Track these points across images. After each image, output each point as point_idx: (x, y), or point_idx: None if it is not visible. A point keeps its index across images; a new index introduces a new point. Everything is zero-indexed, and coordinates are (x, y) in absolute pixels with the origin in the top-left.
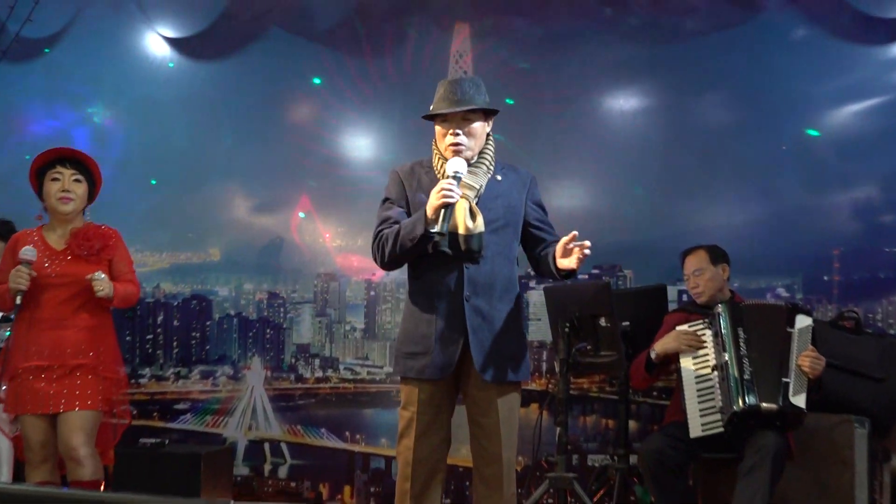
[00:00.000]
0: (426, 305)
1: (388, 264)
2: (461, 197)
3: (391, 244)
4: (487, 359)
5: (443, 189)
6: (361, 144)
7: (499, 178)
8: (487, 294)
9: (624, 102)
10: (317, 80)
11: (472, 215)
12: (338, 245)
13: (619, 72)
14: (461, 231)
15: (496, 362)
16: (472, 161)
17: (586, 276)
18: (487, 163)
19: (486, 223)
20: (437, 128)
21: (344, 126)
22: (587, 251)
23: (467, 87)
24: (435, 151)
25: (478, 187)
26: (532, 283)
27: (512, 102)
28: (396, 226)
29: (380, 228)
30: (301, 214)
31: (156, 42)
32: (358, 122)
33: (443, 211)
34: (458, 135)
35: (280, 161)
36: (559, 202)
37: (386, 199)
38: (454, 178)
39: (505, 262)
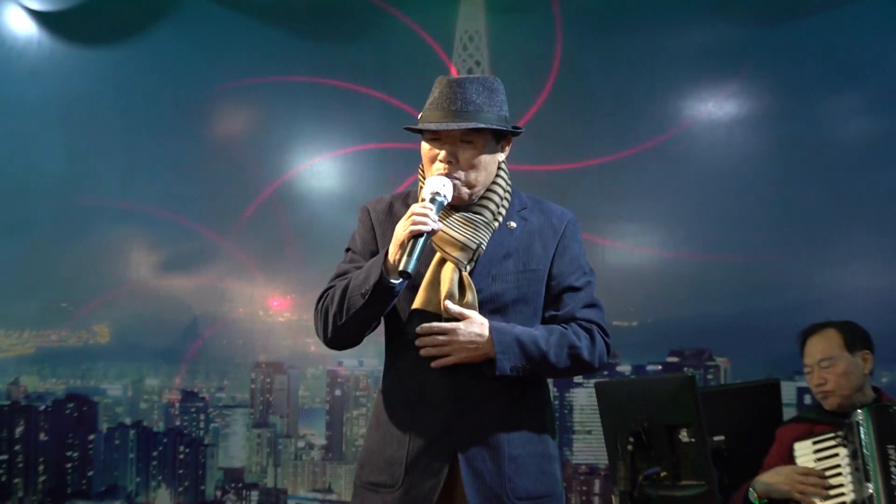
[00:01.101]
0: (399, 414)
1: (332, 338)
2: (451, 264)
3: (336, 304)
4: (489, 499)
5: (413, 215)
6: (325, 168)
7: (512, 224)
8: (489, 401)
9: (715, 108)
10: (255, 74)
11: (462, 290)
12: (288, 319)
13: (708, 63)
14: (441, 310)
15: None
16: (471, 204)
17: (659, 367)
18: (493, 208)
19: (488, 299)
20: (425, 146)
21: (299, 140)
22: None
23: (474, 93)
24: (420, 178)
25: (474, 247)
26: (579, 378)
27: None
28: (346, 281)
29: (327, 287)
30: (234, 279)
31: (17, 17)
32: (319, 134)
33: (410, 243)
34: (452, 163)
35: (201, 191)
36: (616, 257)
37: (347, 250)
38: (432, 201)
39: None
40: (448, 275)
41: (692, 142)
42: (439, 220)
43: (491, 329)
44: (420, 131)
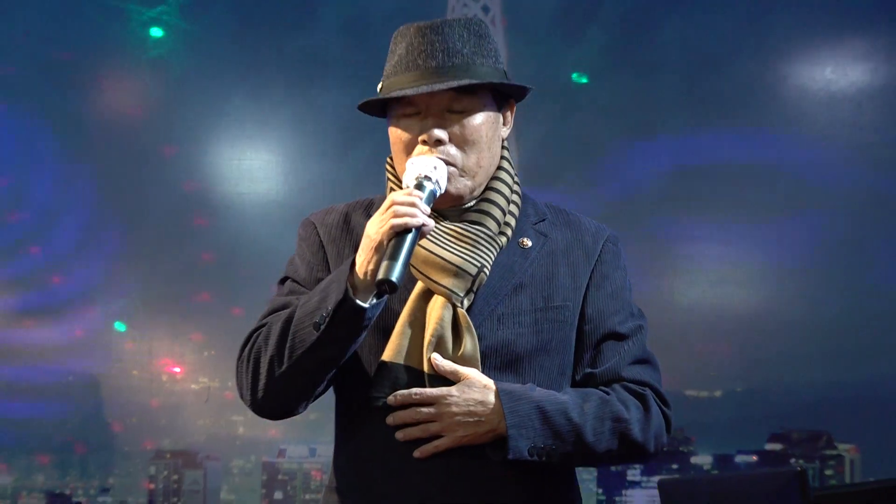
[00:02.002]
0: None
1: (264, 396)
2: (440, 297)
3: (275, 343)
4: None
5: (394, 205)
6: (258, 167)
7: (526, 242)
8: (496, 502)
9: (835, 76)
10: (157, 33)
11: (458, 334)
12: (204, 387)
13: (825, 14)
14: (424, 367)
15: None
16: (469, 204)
17: (754, 458)
18: (498, 214)
19: (494, 349)
20: (394, 130)
21: (213, 130)
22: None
23: (458, 40)
24: (391, 179)
25: (473, 271)
26: (634, 473)
27: (586, 81)
28: (287, 310)
29: (257, 326)
30: (118, 325)
31: None
32: (250, 119)
33: (392, 243)
34: (439, 142)
35: (73, 199)
36: (690, 297)
37: (284, 280)
38: (419, 188)
39: None
40: (436, 312)
41: (802, 124)
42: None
43: (499, 393)
44: (383, 108)
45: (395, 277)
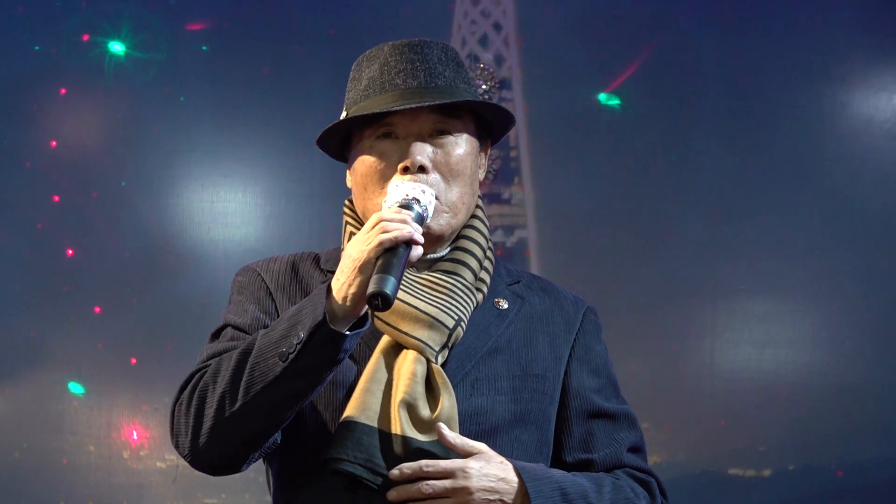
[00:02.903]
0: None
1: (208, 441)
2: (412, 351)
3: (228, 378)
4: None
5: (381, 221)
6: (233, 209)
7: (502, 304)
8: None
9: None
10: (117, 50)
11: (432, 393)
12: (172, 464)
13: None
14: (394, 429)
15: None
16: (441, 253)
17: None
18: (474, 265)
19: (464, 416)
20: (365, 159)
21: (181, 167)
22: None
23: (438, 62)
24: (350, 223)
25: (451, 324)
26: None
27: (618, 103)
28: (240, 343)
29: (197, 368)
30: (73, 386)
31: None
32: (223, 160)
33: (382, 258)
34: (423, 170)
35: (11, 241)
36: (729, 357)
37: (220, 331)
38: (405, 207)
39: None
40: (407, 367)
41: (865, 159)
42: None
43: (518, 470)
44: (342, 145)
45: (389, 290)
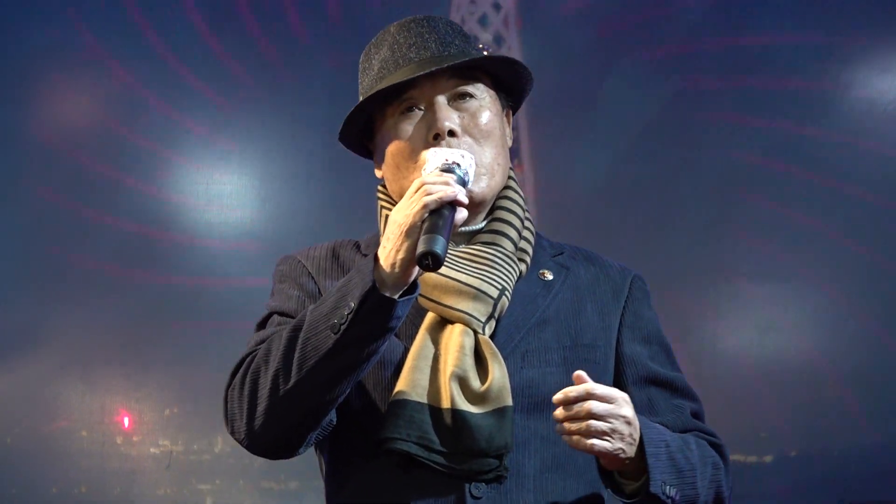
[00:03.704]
0: None
1: (264, 423)
2: (458, 325)
3: (280, 356)
4: None
5: (424, 184)
6: (229, 191)
7: (547, 275)
8: None
9: None
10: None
11: (482, 364)
12: (165, 451)
13: None
14: (445, 404)
15: None
16: (479, 226)
17: None
18: (513, 234)
19: (517, 390)
20: (392, 134)
21: (176, 147)
22: (592, 425)
23: (447, 34)
24: (385, 206)
25: (495, 294)
26: None
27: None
28: (292, 322)
29: (248, 352)
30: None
31: None
32: (220, 141)
33: (428, 220)
34: (453, 134)
35: (4, 227)
36: (729, 345)
37: (266, 319)
38: (446, 171)
39: (576, 485)
40: (455, 341)
41: (869, 141)
42: None
43: (640, 422)
44: (363, 139)
45: (439, 249)
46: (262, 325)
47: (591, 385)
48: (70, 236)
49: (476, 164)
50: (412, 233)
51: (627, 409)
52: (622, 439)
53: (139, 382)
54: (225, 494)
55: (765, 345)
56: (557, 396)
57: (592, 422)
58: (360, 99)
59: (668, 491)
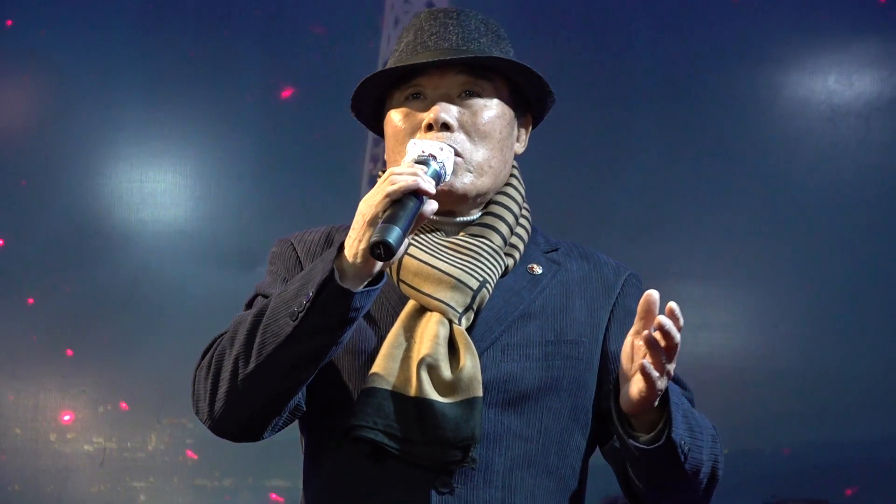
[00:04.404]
0: None
1: (226, 405)
2: (435, 313)
3: (242, 340)
4: None
5: (391, 175)
6: (162, 189)
7: (535, 268)
8: None
9: (840, 86)
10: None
11: (455, 354)
12: (100, 448)
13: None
14: (413, 392)
15: None
16: (471, 217)
17: None
18: (504, 230)
19: (495, 382)
20: (396, 117)
21: (108, 146)
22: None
23: (474, 29)
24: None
25: (475, 286)
26: None
27: None
28: (258, 305)
29: (221, 333)
30: None
31: None
32: (152, 140)
33: (390, 210)
34: (446, 127)
35: None
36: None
37: (255, 297)
38: (421, 163)
39: (547, 483)
40: (432, 328)
41: (801, 142)
42: (414, 244)
43: None
44: (377, 113)
45: (391, 238)
46: (248, 305)
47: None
48: (2, 234)
49: (464, 160)
50: (374, 223)
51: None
52: (667, 377)
53: (73, 380)
54: (159, 492)
55: (697, 343)
56: (660, 319)
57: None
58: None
59: (683, 446)
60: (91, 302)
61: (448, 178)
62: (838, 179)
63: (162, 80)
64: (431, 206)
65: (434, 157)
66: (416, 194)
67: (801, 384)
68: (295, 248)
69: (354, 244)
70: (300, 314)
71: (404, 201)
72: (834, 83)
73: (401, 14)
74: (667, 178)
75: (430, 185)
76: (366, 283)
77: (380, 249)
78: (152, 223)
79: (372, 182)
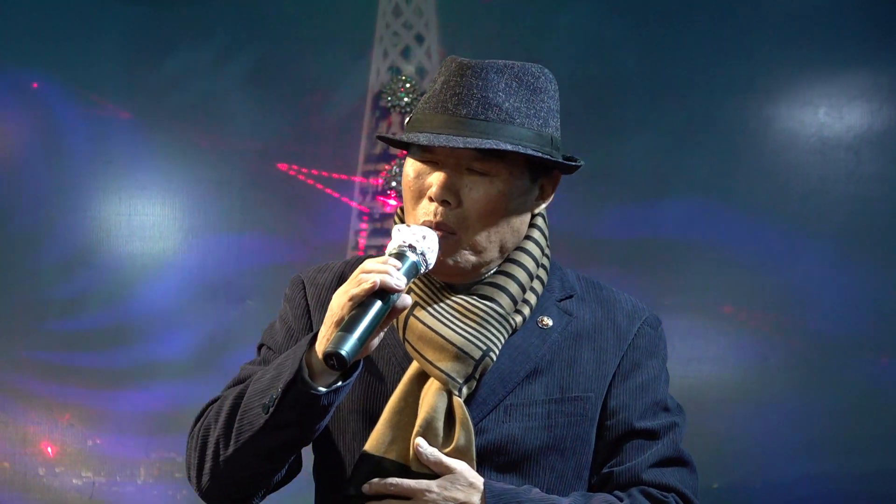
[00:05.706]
0: None
1: (210, 482)
2: (436, 382)
3: (223, 423)
4: None
5: (362, 272)
6: (152, 223)
7: (546, 321)
8: None
9: (829, 119)
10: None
11: (449, 425)
12: (88, 481)
13: (815, 38)
14: (406, 462)
15: None
16: (480, 279)
17: None
18: (515, 291)
19: (497, 446)
20: (409, 170)
21: (96, 178)
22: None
23: (501, 90)
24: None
25: (477, 355)
26: None
27: None
28: (242, 385)
29: (215, 397)
30: None
31: None
32: (140, 172)
33: (352, 314)
34: (447, 205)
35: None
36: None
37: (260, 348)
38: (399, 257)
39: None
40: (429, 399)
41: (790, 174)
42: (421, 304)
43: (486, 494)
44: (401, 143)
45: (344, 351)
46: (259, 348)
47: (392, 481)
48: None
49: (460, 239)
50: (339, 324)
51: (438, 498)
52: None
53: (61, 413)
54: None
55: (687, 376)
56: (364, 486)
57: None
58: (421, 100)
59: None
60: (79, 335)
61: (432, 262)
62: (829, 211)
63: (151, 112)
64: (405, 300)
65: (413, 249)
66: (388, 291)
67: (790, 417)
68: (306, 294)
69: (322, 341)
70: (270, 408)
71: (368, 304)
72: (824, 115)
73: (389, 46)
74: (656, 209)
75: (399, 282)
76: (337, 376)
77: (332, 360)
78: (141, 256)
79: (358, 216)
